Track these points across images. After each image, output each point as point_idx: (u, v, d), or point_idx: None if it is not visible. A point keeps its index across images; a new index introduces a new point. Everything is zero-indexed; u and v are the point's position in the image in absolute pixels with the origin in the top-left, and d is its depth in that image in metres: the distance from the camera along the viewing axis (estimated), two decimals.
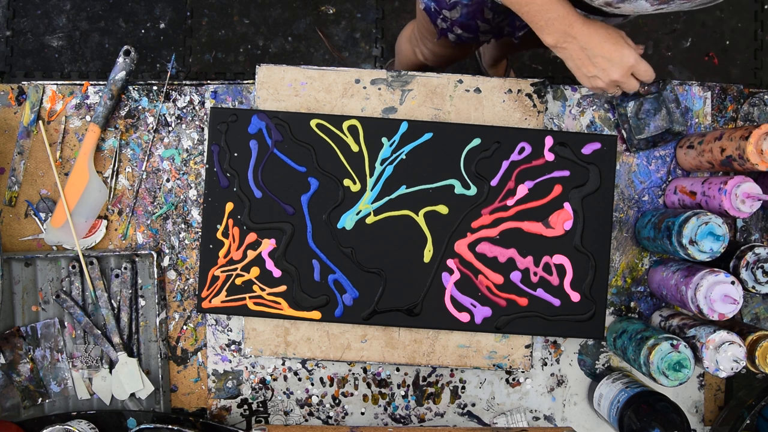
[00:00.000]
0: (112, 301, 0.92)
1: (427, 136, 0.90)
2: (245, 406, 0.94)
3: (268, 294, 0.90)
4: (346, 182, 0.90)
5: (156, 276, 0.91)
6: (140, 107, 0.95)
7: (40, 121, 0.94)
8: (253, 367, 0.94)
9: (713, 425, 0.91)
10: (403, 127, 0.90)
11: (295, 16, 1.80)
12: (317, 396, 0.94)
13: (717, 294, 0.77)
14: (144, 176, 0.94)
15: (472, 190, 0.90)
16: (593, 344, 0.94)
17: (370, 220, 0.90)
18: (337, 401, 0.94)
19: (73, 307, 0.91)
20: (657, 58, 1.82)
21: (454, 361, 0.91)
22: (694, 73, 1.82)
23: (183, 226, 0.94)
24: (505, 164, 0.90)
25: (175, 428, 0.86)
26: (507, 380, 0.94)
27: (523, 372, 0.94)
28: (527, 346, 0.91)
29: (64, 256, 0.91)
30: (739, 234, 0.93)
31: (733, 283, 0.77)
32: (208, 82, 0.95)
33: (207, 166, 0.90)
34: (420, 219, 0.90)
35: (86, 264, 0.91)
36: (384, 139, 0.90)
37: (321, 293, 0.90)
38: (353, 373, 0.94)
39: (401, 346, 0.92)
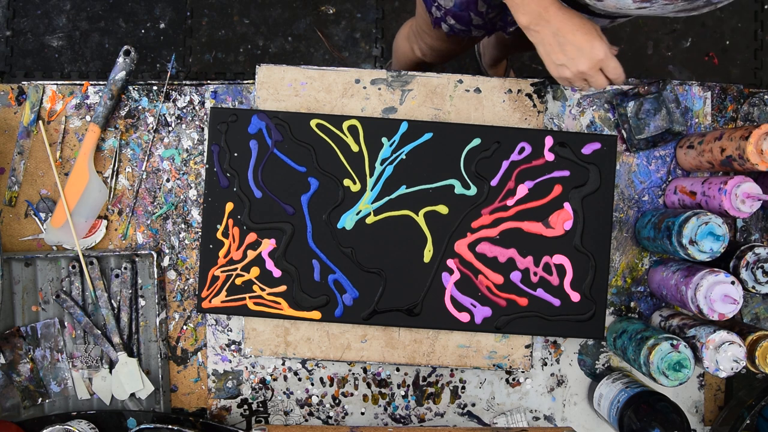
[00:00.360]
0: (112, 301, 0.92)
1: (427, 136, 0.90)
2: (245, 406, 0.94)
3: (268, 294, 0.90)
4: (346, 182, 0.90)
5: (156, 276, 0.91)
6: (140, 107, 0.95)
7: (40, 121, 0.94)
8: (253, 367, 0.94)
9: (713, 425, 0.91)
10: (403, 127, 0.90)
11: (295, 16, 1.80)
12: (317, 396, 0.94)
13: (717, 294, 0.77)
14: (144, 176, 0.94)
15: (472, 190, 0.90)
16: (593, 344, 0.94)
17: (370, 220, 0.90)
18: (337, 401, 0.94)
19: (73, 307, 0.91)
20: (657, 58, 1.82)
21: (454, 361, 0.91)
22: (694, 73, 1.82)
23: (183, 226, 0.94)
24: (505, 164, 0.90)
25: (175, 428, 0.86)
26: (507, 380, 0.94)
27: (523, 372, 0.94)
28: (527, 346, 0.91)
29: (64, 256, 0.91)
30: (739, 234, 0.93)
31: (733, 283, 0.77)
32: (208, 82, 0.95)
33: (207, 166, 0.90)
34: (420, 219, 0.90)
35: (86, 264, 0.91)
36: (384, 139, 0.90)
37: (321, 293, 0.90)
38: (353, 373, 0.94)
39: (401, 346, 0.92)
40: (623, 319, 0.92)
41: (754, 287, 0.80)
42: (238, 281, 0.90)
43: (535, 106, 0.92)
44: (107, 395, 0.92)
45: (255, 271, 0.90)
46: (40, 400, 0.92)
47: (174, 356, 0.94)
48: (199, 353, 0.94)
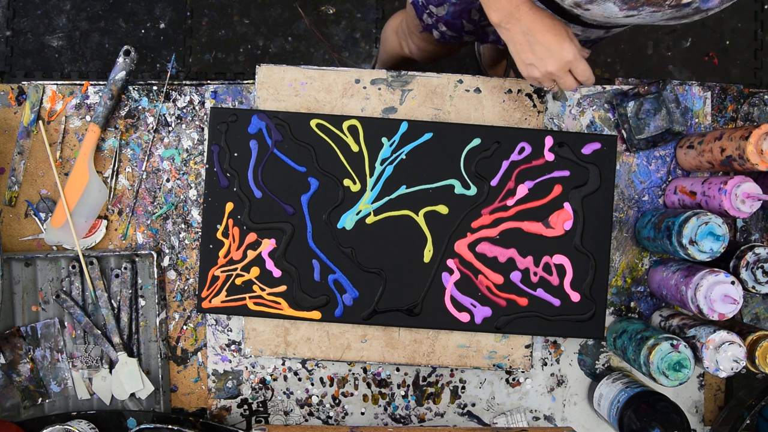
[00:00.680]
0: (112, 301, 0.92)
1: (427, 136, 0.90)
2: (245, 406, 0.94)
3: (268, 294, 0.90)
4: (346, 182, 0.90)
5: (156, 276, 0.91)
6: (140, 107, 0.95)
7: (40, 121, 0.94)
8: (253, 367, 0.94)
9: (713, 425, 0.91)
10: (403, 127, 0.90)
11: (295, 16, 1.80)
12: (317, 396, 0.94)
13: (717, 294, 0.77)
14: (144, 176, 0.94)
15: (472, 190, 0.90)
16: (593, 344, 0.94)
17: (370, 220, 0.90)
18: (337, 401, 0.94)
19: (73, 307, 0.91)
20: (657, 58, 1.82)
21: (454, 361, 0.91)
22: (694, 73, 1.82)
23: (183, 226, 0.94)
24: (505, 164, 0.90)
25: (175, 428, 0.86)
26: (507, 380, 0.94)
27: (523, 372, 0.94)
28: (527, 346, 0.91)
29: (64, 256, 0.91)
30: (739, 234, 0.93)
31: (733, 283, 0.77)
32: (208, 82, 0.95)
33: (207, 166, 0.90)
34: (420, 219, 0.90)
35: (86, 264, 0.91)
36: (384, 139, 0.90)
37: (321, 293, 0.90)
38: (353, 373, 0.94)
39: (401, 346, 0.92)
40: (623, 319, 0.92)
41: (754, 287, 0.80)
42: (238, 281, 0.90)
43: (535, 106, 0.92)
44: (107, 395, 0.92)
45: (255, 271, 0.90)
46: (40, 400, 0.92)
47: (174, 356, 0.94)
48: (199, 353, 0.94)
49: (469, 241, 0.90)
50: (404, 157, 0.90)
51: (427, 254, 0.90)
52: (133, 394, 0.92)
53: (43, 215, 0.94)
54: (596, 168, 0.89)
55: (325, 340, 0.92)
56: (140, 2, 1.80)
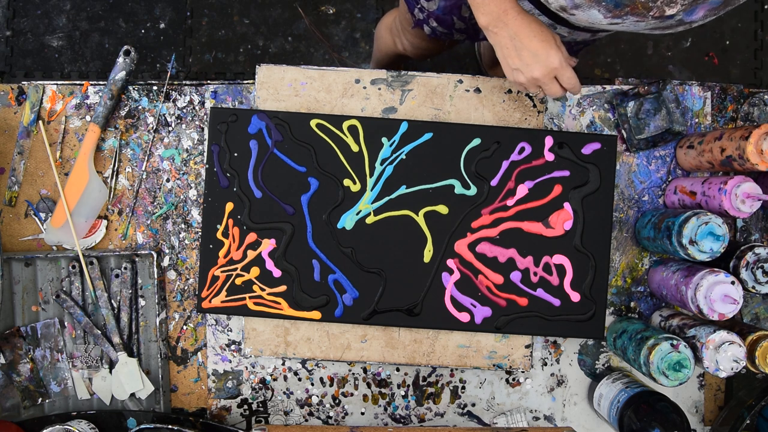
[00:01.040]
0: (112, 301, 0.92)
1: (427, 136, 0.90)
2: (245, 406, 0.94)
3: (268, 294, 0.90)
4: (346, 182, 0.90)
5: (156, 276, 0.91)
6: (140, 107, 0.95)
7: (40, 121, 0.94)
8: (253, 367, 0.94)
9: (713, 425, 0.91)
10: (403, 127, 0.90)
11: (295, 16, 1.80)
12: (317, 396, 0.94)
13: (717, 294, 0.77)
14: (144, 176, 0.94)
15: (472, 190, 0.90)
16: (593, 344, 0.94)
17: (370, 220, 0.90)
18: (337, 401, 0.94)
19: (73, 307, 0.91)
20: (657, 58, 1.82)
21: (454, 361, 0.91)
22: (694, 73, 1.82)
23: (183, 226, 0.94)
24: (505, 164, 0.90)
25: (175, 428, 0.86)
26: (507, 380, 0.94)
27: (523, 372, 0.94)
28: (527, 346, 0.91)
29: (64, 256, 0.91)
30: (739, 234, 0.93)
31: (733, 283, 0.77)
32: (208, 82, 0.95)
33: (207, 166, 0.90)
34: (420, 219, 0.90)
35: (86, 264, 0.91)
36: (384, 139, 0.90)
37: (321, 293, 0.90)
38: (353, 373, 0.94)
39: (401, 346, 0.92)
40: (623, 319, 0.92)
41: (754, 287, 0.80)
42: (238, 281, 0.90)
43: (535, 106, 0.92)
44: (107, 395, 0.92)
45: (255, 271, 0.90)
46: (40, 400, 0.92)
47: (174, 356, 0.94)
48: (199, 353, 0.94)
49: (469, 241, 0.90)
50: (404, 157, 0.90)
51: (427, 254, 0.90)
52: (133, 394, 0.92)
53: (43, 215, 0.94)
54: (596, 168, 0.89)
55: (325, 340, 0.92)
56: (140, 2, 1.80)
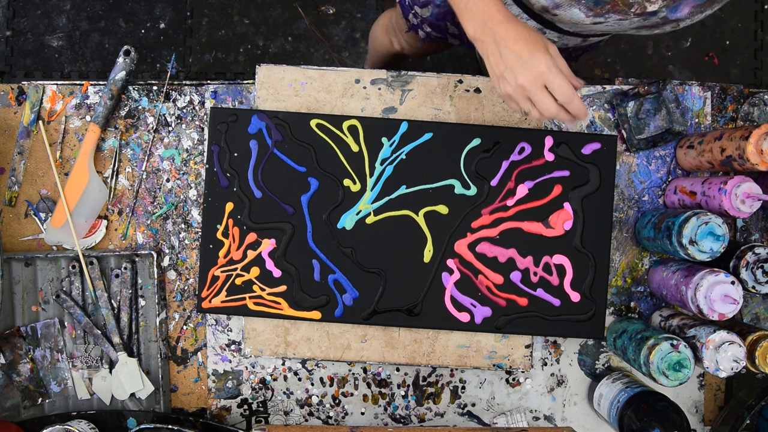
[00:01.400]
0: (112, 301, 0.92)
1: (427, 136, 0.90)
2: (245, 406, 0.94)
3: (268, 294, 0.90)
4: (346, 182, 0.90)
5: (156, 276, 0.91)
6: (140, 107, 0.95)
7: (40, 121, 0.94)
8: (253, 367, 0.94)
9: (713, 425, 0.91)
10: (403, 127, 0.90)
11: (295, 16, 1.80)
12: (317, 396, 0.94)
13: (717, 294, 0.77)
14: (144, 176, 0.94)
15: (472, 190, 0.90)
16: (593, 344, 0.94)
17: (370, 220, 0.90)
18: (337, 401, 0.94)
19: (73, 307, 0.91)
20: (657, 58, 1.82)
21: (454, 361, 0.91)
22: (694, 73, 1.82)
23: (183, 226, 0.94)
24: (505, 164, 0.90)
25: (175, 428, 0.86)
26: (507, 380, 0.94)
27: (523, 372, 0.94)
28: (527, 346, 0.91)
29: (64, 256, 0.91)
30: (739, 234, 0.93)
31: (733, 283, 0.77)
32: (208, 82, 0.95)
33: (207, 166, 0.90)
34: (420, 219, 0.90)
35: (86, 264, 0.91)
36: (384, 139, 0.90)
37: (321, 293, 0.90)
38: (353, 373, 0.94)
39: (401, 346, 0.92)
40: (623, 319, 0.92)
41: (754, 287, 0.80)
42: (238, 281, 0.90)
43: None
44: (107, 395, 0.92)
45: (255, 271, 0.90)
46: (40, 400, 0.92)
47: (174, 356, 0.94)
48: (199, 353, 0.94)
49: (469, 241, 0.90)
50: (404, 157, 0.90)
51: (427, 254, 0.90)
52: (133, 394, 0.92)
53: (43, 215, 0.94)
54: (596, 168, 0.89)
55: (325, 340, 0.92)
56: (140, 2, 1.80)
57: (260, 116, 0.90)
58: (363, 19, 1.82)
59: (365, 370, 0.94)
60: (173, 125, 0.94)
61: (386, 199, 0.90)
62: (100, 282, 0.91)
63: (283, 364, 0.94)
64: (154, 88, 0.95)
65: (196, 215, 0.94)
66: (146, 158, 0.94)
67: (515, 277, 0.89)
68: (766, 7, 1.83)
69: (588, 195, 0.89)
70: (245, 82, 0.94)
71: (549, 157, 0.89)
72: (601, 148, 0.89)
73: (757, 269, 0.79)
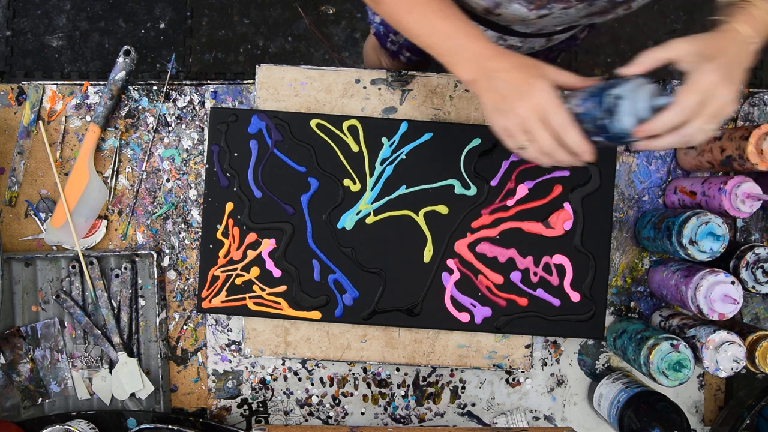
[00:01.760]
0: (112, 301, 0.92)
1: (427, 136, 0.90)
2: (245, 406, 0.94)
3: (268, 294, 0.90)
4: (346, 182, 0.90)
5: (156, 276, 0.91)
6: (140, 107, 0.95)
7: (40, 121, 0.94)
8: (253, 367, 0.94)
9: (713, 425, 0.91)
10: (403, 127, 0.90)
11: (295, 16, 1.80)
12: (317, 396, 0.94)
13: (717, 294, 0.77)
14: (144, 176, 0.94)
15: (472, 190, 0.90)
16: (593, 344, 0.94)
17: (370, 220, 0.90)
18: (337, 401, 0.94)
19: (73, 307, 0.91)
20: None
21: (454, 361, 0.91)
22: None
23: (183, 226, 0.94)
24: (505, 164, 0.90)
25: (175, 428, 0.86)
26: (507, 380, 0.94)
27: (523, 372, 0.94)
28: (527, 346, 0.91)
29: (64, 256, 0.91)
30: (739, 234, 0.93)
31: (733, 283, 0.77)
32: (208, 82, 0.95)
33: (207, 166, 0.90)
34: (420, 219, 0.90)
35: (86, 264, 0.91)
36: (384, 139, 0.90)
37: (321, 293, 0.90)
38: (353, 373, 0.94)
39: (401, 346, 0.92)
40: (623, 319, 0.92)
41: (754, 287, 0.80)
42: (238, 281, 0.90)
43: None
44: (107, 395, 0.92)
45: (255, 271, 0.90)
46: (40, 400, 0.92)
47: (174, 356, 0.94)
48: (199, 353, 0.94)
49: (469, 241, 0.89)
50: (404, 157, 0.90)
51: (427, 254, 0.90)
52: (133, 394, 0.92)
53: (43, 215, 0.94)
54: (596, 168, 0.89)
55: (325, 340, 0.92)
56: (140, 2, 1.80)
57: (260, 116, 0.90)
58: (363, 19, 1.81)
59: (365, 370, 0.94)
60: (173, 125, 0.94)
61: (386, 199, 0.90)
62: (100, 282, 0.91)
63: (283, 364, 0.94)
64: (154, 88, 0.95)
65: (196, 215, 0.94)
66: (146, 158, 0.94)
67: (515, 277, 0.89)
68: None
69: (588, 195, 0.89)
70: (245, 82, 0.94)
71: None
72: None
73: (757, 269, 0.79)
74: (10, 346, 0.92)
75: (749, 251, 0.80)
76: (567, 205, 0.89)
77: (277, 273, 0.90)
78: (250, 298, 0.90)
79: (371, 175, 0.90)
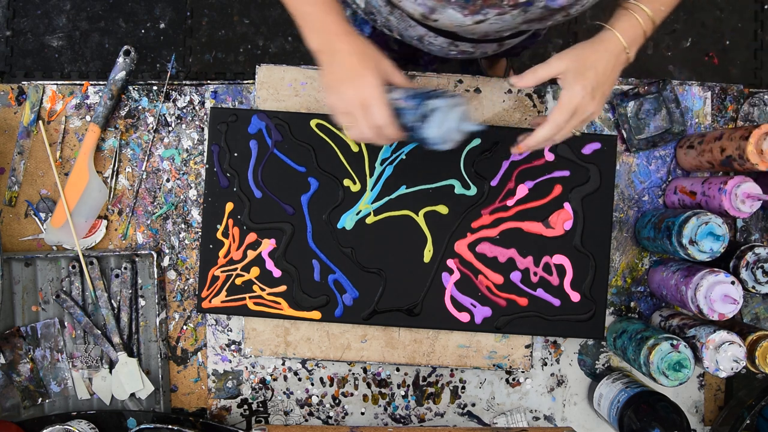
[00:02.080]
0: (112, 301, 0.92)
1: None
2: (245, 406, 0.94)
3: (268, 294, 0.90)
4: (346, 182, 0.90)
5: (156, 276, 0.91)
6: (140, 107, 0.95)
7: (40, 121, 0.94)
8: (253, 367, 0.94)
9: (713, 425, 0.91)
10: None
11: None
12: (317, 396, 0.94)
13: (717, 294, 0.77)
14: (144, 176, 0.94)
15: (472, 190, 0.90)
16: (593, 344, 0.94)
17: (370, 220, 0.90)
18: (337, 401, 0.94)
19: (73, 307, 0.91)
20: (657, 58, 1.82)
21: (454, 361, 0.91)
22: (694, 73, 1.82)
23: (183, 226, 0.94)
24: (505, 164, 0.90)
25: (175, 428, 0.86)
26: (507, 380, 0.94)
27: (523, 372, 0.94)
28: (527, 346, 0.91)
29: (64, 256, 0.91)
30: (739, 234, 0.93)
31: (733, 283, 0.77)
32: (208, 82, 0.95)
33: (207, 166, 0.90)
34: (420, 219, 0.90)
35: (86, 264, 0.91)
36: None
37: (321, 293, 0.90)
38: (353, 373, 0.94)
39: (401, 346, 0.92)
40: (623, 319, 0.92)
41: (754, 287, 0.80)
42: (238, 281, 0.90)
43: (535, 106, 0.92)
44: (107, 395, 0.92)
45: (255, 271, 0.90)
46: (40, 400, 0.92)
47: (174, 356, 0.94)
48: (199, 353, 0.94)
49: (469, 241, 0.89)
50: (404, 157, 0.90)
51: (427, 254, 0.90)
52: (133, 394, 0.92)
53: (43, 215, 0.94)
54: (596, 168, 0.89)
55: (325, 340, 0.92)
56: (140, 2, 1.80)
57: (260, 116, 0.90)
58: None
59: (365, 370, 0.94)
60: (173, 125, 0.94)
61: (386, 199, 0.90)
62: (100, 282, 0.91)
63: (283, 364, 0.94)
64: (154, 88, 0.95)
65: (196, 215, 0.94)
66: (146, 158, 0.94)
67: (515, 277, 0.89)
68: (766, 7, 1.83)
69: (588, 195, 0.89)
70: (245, 82, 0.94)
71: (549, 157, 0.89)
72: (601, 148, 0.89)
73: (757, 269, 0.79)
74: (10, 346, 0.92)
75: (749, 251, 0.80)
76: (567, 205, 0.89)
77: (277, 273, 0.90)
78: (250, 298, 0.90)
79: (371, 175, 0.90)
